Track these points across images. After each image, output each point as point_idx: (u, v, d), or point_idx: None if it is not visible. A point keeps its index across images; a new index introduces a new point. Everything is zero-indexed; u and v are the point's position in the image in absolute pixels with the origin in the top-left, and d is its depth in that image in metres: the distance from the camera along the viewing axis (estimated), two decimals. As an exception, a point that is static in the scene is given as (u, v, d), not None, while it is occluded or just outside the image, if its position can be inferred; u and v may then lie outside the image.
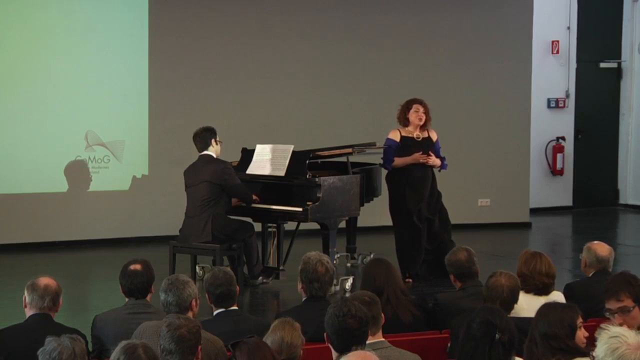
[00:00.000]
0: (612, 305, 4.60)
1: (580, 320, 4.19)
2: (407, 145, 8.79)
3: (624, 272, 4.94)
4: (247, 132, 10.57)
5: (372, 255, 9.37)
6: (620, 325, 4.46)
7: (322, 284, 5.33)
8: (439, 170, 9.01)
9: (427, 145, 8.84)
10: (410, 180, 8.77)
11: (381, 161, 9.00)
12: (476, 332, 3.96)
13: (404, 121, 8.87)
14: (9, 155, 10.43)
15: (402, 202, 8.80)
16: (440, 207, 8.99)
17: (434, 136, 8.96)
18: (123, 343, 3.74)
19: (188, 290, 4.83)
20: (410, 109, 8.83)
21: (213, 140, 8.32)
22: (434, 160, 8.82)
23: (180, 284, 4.84)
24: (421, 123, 8.83)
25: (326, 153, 8.98)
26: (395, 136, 8.85)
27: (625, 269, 5.29)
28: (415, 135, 8.84)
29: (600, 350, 3.21)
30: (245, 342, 3.85)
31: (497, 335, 3.92)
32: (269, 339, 4.09)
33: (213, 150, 8.33)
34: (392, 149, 8.81)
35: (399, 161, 8.78)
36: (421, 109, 8.82)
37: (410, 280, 8.75)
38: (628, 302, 4.59)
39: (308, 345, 4.41)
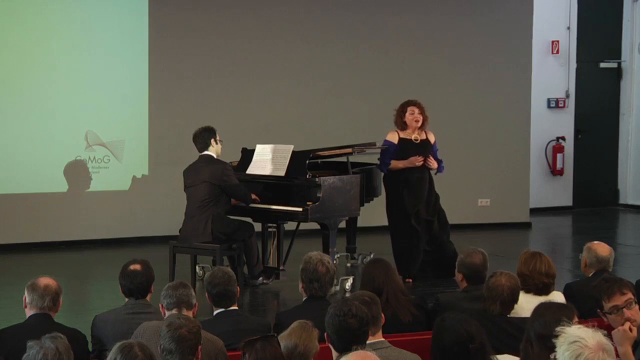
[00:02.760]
0: (618, 301, 4.59)
1: (575, 319, 4.19)
2: (406, 147, 8.77)
3: (606, 276, 4.99)
4: (247, 132, 10.56)
5: (372, 255, 9.36)
6: (628, 319, 4.47)
7: (322, 284, 5.32)
8: (435, 174, 8.99)
9: (426, 147, 8.82)
10: (408, 182, 8.75)
11: (378, 162, 8.99)
12: (451, 351, 3.97)
13: (401, 124, 8.85)
14: (9, 155, 10.43)
15: (399, 204, 8.77)
16: (439, 209, 8.98)
17: (432, 138, 8.93)
18: (119, 343, 3.73)
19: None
20: (406, 111, 8.81)
21: (213, 140, 8.32)
22: (432, 163, 8.80)
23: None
24: (418, 125, 8.81)
25: (326, 153, 8.98)
26: (393, 138, 8.83)
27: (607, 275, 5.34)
28: (413, 138, 8.83)
29: (562, 357, 3.20)
30: (257, 343, 3.84)
31: (470, 346, 3.95)
32: (283, 341, 4.06)
33: (213, 150, 8.33)
34: (390, 152, 8.79)
35: (395, 164, 8.77)
36: (416, 110, 8.80)
37: (411, 280, 8.75)
38: (631, 295, 4.61)
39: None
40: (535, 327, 4.12)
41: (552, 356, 3.26)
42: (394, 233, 8.88)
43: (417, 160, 8.70)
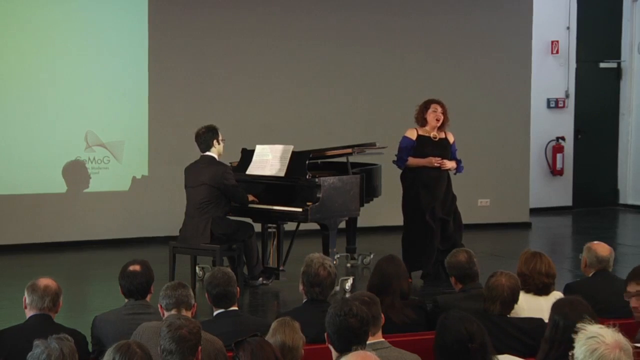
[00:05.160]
0: (632, 287, 4.65)
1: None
2: (424, 144, 8.78)
3: None
4: (247, 132, 10.56)
5: (372, 256, 9.37)
6: (635, 308, 4.52)
7: (323, 289, 5.30)
8: (455, 173, 8.99)
9: (444, 146, 8.83)
10: (425, 181, 8.76)
11: (394, 157, 8.96)
12: (452, 349, 3.97)
13: (422, 121, 8.86)
14: (8, 156, 10.43)
15: (415, 201, 8.78)
16: (455, 210, 8.97)
17: (451, 138, 8.94)
18: (114, 345, 3.73)
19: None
20: (428, 108, 8.83)
21: (215, 141, 8.28)
22: (451, 165, 8.80)
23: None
24: (439, 123, 8.82)
25: (326, 153, 8.98)
26: (412, 135, 8.85)
27: None
28: (432, 135, 8.83)
29: (579, 351, 3.22)
30: (249, 341, 3.85)
31: (470, 345, 3.95)
32: (270, 342, 4.08)
33: (215, 151, 8.29)
34: (407, 148, 8.80)
35: (412, 161, 8.77)
36: (439, 109, 8.81)
37: (410, 280, 8.72)
38: None
39: (308, 346, 4.41)
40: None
41: (570, 353, 3.27)
42: (406, 229, 8.86)
43: (436, 161, 8.70)
